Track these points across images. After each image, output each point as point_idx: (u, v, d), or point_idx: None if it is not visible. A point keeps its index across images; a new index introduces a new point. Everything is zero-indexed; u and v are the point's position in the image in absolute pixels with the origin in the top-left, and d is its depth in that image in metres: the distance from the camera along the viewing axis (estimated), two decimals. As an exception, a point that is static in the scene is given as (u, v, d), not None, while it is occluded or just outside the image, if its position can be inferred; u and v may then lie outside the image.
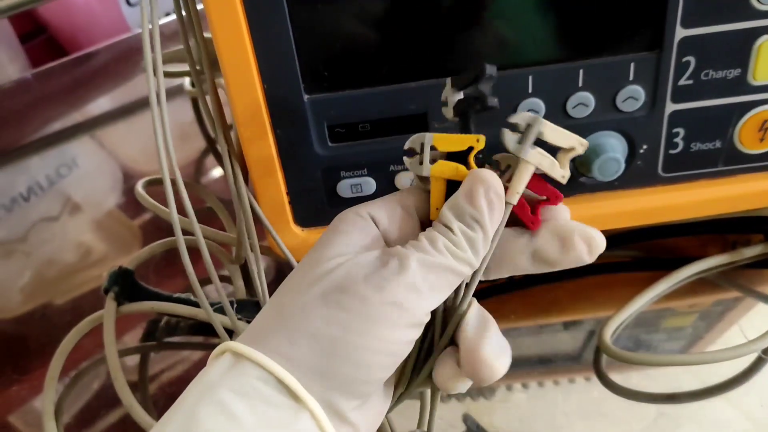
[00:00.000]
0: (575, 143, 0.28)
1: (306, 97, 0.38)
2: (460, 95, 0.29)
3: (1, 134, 0.77)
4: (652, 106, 0.39)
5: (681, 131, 0.40)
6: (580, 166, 0.41)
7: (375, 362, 0.25)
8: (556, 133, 0.28)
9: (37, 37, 1.05)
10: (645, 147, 0.40)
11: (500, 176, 0.28)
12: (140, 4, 0.34)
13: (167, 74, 0.66)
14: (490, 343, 0.27)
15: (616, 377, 0.42)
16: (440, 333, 0.29)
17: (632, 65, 0.38)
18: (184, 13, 0.37)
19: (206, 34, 0.61)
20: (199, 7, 0.38)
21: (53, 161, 0.71)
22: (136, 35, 0.89)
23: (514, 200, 0.28)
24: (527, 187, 0.28)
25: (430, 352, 0.30)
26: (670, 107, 0.39)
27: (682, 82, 0.38)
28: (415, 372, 0.30)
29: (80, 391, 0.45)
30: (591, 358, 0.43)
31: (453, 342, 0.29)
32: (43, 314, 0.52)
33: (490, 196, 0.27)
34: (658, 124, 0.40)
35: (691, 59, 0.38)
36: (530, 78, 0.38)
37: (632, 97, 0.39)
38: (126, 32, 0.94)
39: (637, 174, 0.41)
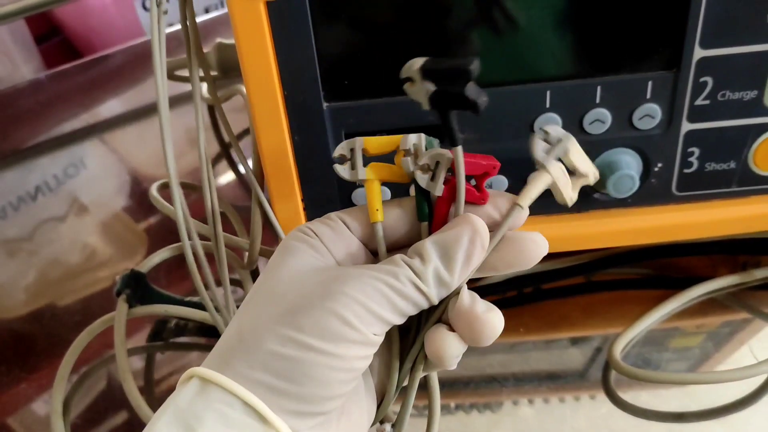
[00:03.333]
0: (590, 171, 0.29)
1: (325, 104, 0.38)
2: (433, 86, 0.27)
3: (11, 134, 0.77)
4: (668, 125, 0.39)
5: (696, 151, 0.40)
6: (595, 182, 0.41)
7: (334, 378, 0.26)
8: (579, 156, 0.29)
9: (53, 38, 1.06)
10: (660, 165, 0.41)
11: (431, 176, 0.28)
12: (150, 13, 0.34)
13: (180, 79, 0.67)
14: (481, 303, 0.28)
15: (624, 395, 0.42)
16: (426, 316, 0.29)
17: (650, 83, 0.38)
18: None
19: (224, 41, 0.61)
20: (219, 12, 0.38)
21: (61, 161, 0.71)
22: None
23: (526, 204, 0.28)
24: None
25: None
26: (686, 126, 0.40)
27: (699, 101, 0.39)
28: (406, 361, 0.30)
29: (86, 390, 0.45)
30: (597, 374, 0.43)
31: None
32: (52, 314, 0.52)
33: (478, 247, 0.27)
34: (674, 143, 0.40)
35: (709, 79, 0.38)
36: (548, 93, 0.38)
37: (649, 115, 0.39)
38: (141, 36, 0.94)
39: (651, 192, 0.42)
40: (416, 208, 0.29)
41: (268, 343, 0.26)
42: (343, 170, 0.30)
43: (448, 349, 0.28)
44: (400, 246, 0.30)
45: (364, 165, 0.30)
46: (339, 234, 0.29)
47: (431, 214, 0.29)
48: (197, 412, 0.25)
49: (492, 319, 0.27)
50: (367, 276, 0.26)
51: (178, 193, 0.36)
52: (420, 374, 0.30)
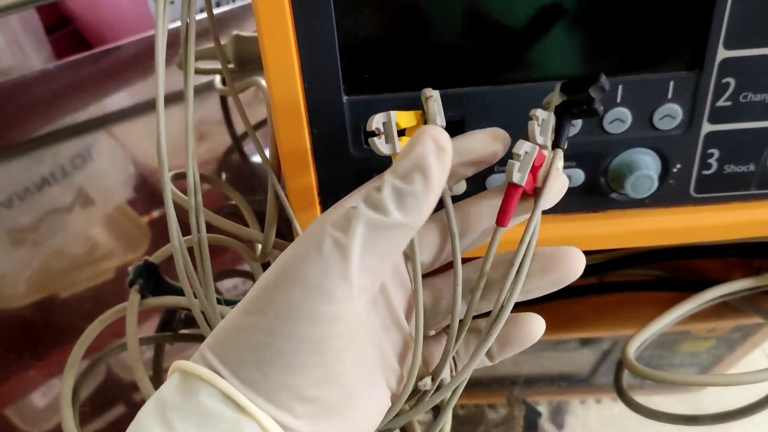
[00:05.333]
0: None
1: (345, 98, 0.38)
2: (563, 98, 0.31)
3: (20, 123, 0.77)
4: (689, 126, 0.39)
5: (716, 152, 0.40)
6: (613, 182, 0.41)
7: (305, 364, 0.25)
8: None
9: (63, 29, 1.06)
10: (679, 166, 0.40)
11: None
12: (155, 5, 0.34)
13: (196, 71, 0.67)
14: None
15: (636, 396, 0.41)
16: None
17: (671, 83, 0.38)
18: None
19: (241, 33, 0.61)
20: (231, 6, 0.38)
21: (69, 152, 0.71)
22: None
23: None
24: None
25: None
26: (707, 128, 0.39)
27: (720, 103, 0.38)
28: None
29: (94, 378, 0.45)
30: (609, 375, 0.43)
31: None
32: (61, 304, 0.52)
33: (431, 148, 0.26)
34: (694, 144, 0.40)
35: (731, 81, 0.38)
36: (569, 91, 0.38)
37: (669, 115, 0.39)
38: (152, 28, 0.93)
39: (669, 193, 0.41)
40: None
41: (238, 333, 0.26)
42: (381, 144, 0.29)
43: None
44: None
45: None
46: None
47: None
48: (176, 404, 0.25)
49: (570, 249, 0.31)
50: (324, 236, 0.25)
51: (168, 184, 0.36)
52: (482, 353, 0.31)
